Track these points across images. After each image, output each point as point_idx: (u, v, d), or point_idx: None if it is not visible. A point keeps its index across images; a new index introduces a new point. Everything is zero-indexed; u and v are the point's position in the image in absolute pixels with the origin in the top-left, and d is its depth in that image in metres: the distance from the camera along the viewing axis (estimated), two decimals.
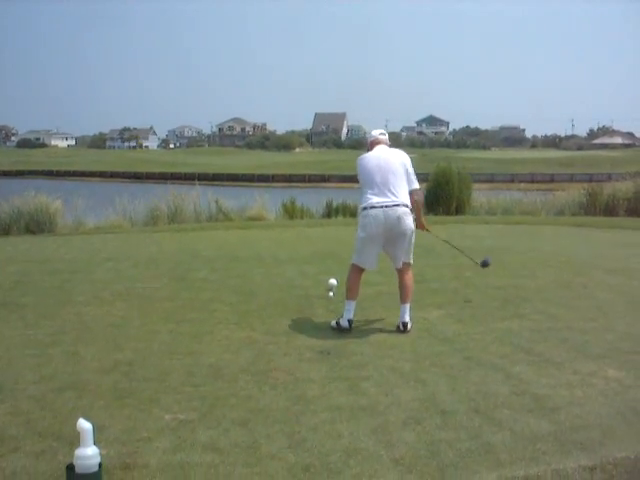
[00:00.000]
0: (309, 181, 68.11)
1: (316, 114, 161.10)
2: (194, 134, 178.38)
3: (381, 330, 7.01)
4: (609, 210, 22.01)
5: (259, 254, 11.98)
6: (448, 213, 19.22)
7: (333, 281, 8.34)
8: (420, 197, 7.51)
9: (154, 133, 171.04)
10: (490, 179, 56.97)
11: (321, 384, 5.43)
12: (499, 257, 10.98)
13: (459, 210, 19.97)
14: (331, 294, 8.20)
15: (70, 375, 5.67)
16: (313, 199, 23.92)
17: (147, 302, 8.25)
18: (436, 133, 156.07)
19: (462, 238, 12.46)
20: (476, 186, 26.15)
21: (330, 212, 20.64)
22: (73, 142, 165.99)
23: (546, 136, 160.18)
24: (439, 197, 19.89)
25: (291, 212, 20.19)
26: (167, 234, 16.20)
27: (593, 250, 12.36)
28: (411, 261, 7.18)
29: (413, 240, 7.05)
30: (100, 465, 3.68)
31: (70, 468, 3.65)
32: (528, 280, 9.34)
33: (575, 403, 5.02)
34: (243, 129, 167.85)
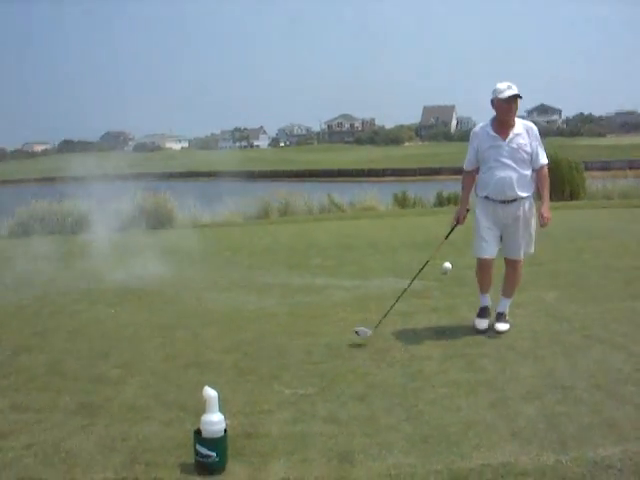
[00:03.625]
0: (420, 174, 67.58)
1: (424, 107, 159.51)
2: (303, 132, 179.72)
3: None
4: None
5: (372, 242, 12.06)
6: (562, 199, 18.72)
7: (448, 265, 8.33)
8: None
9: (264, 132, 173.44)
10: (605, 166, 54.85)
11: (438, 361, 5.45)
12: (619, 238, 10.68)
13: (573, 196, 19.42)
14: (447, 271, 8.42)
15: (193, 354, 5.91)
16: (424, 190, 23.79)
17: (264, 287, 8.47)
18: (548, 122, 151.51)
19: (581, 221, 12.17)
20: (592, 174, 25.38)
21: (442, 201, 20.48)
22: (186, 144, 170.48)
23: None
24: (552, 184, 19.32)
25: (402, 202, 20.16)
26: (280, 226, 16.51)
27: None
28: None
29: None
30: (225, 431, 3.84)
31: (197, 433, 3.83)
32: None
33: None
34: (352, 125, 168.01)
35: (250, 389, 5.02)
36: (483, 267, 6.36)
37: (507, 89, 5.93)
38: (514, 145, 6.01)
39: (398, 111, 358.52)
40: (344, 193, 22.53)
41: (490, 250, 6.24)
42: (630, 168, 34.48)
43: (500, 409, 4.47)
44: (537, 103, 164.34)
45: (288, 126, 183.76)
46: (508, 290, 6.43)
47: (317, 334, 6.35)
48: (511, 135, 6.02)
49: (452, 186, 24.13)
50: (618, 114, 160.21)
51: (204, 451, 3.77)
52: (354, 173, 70.38)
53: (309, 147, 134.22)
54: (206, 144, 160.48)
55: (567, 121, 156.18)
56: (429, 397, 4.72)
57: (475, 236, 6.29)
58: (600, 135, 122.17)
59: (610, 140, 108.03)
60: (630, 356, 5.39)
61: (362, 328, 6.02)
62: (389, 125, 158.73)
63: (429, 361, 5.45)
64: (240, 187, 28.50)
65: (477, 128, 6.31)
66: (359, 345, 5.92)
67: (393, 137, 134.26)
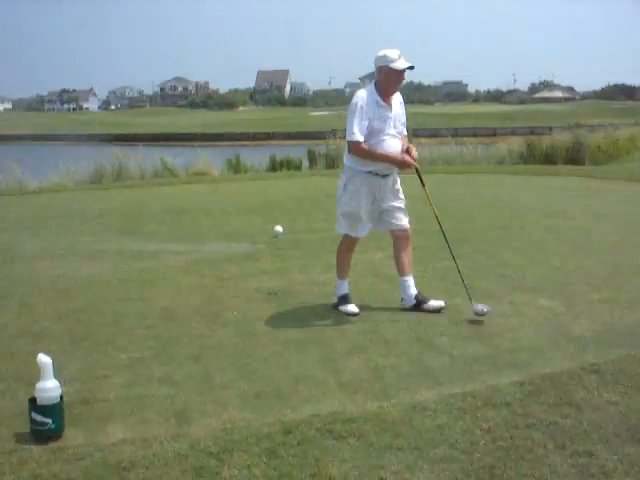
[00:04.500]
0: (254, 139, 67.76)
1: (259, 72, 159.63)
2: (135, 94, 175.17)
3: (327, 270, 7.23)
4: (548, 160, 22.55)
5: (206, 207, 12.14)
6: None
7: (279, 228, 8.57)
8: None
9: (94, 94, 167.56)
10: (434, 134, 57.06)
11: (269, 321, 5.68)
12: (440, 204, 11.29)
13: None
14: (278, 234, 8.67)
15: (24, 324, 5.82)
16: (258, 155, 24.00)
17: (97, 254, 8.38)
18: None
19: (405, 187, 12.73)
20: (422, 140, 26.47)
21: (274, 166, 20.81)
22: (9, 105, 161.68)
23: (489, 91, 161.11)
24: None
25: (236, 167, 20.31)
26: (113, 191, 16.20)
27: (531, 195, 12.81)
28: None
29: (337, 204, 6.02)
30: (62, 397, 3.87)
31: (32, 401, 3.83)
32: (468, 224, 9.68)
33: (509, 329, 5.37)
34: (185, 88, 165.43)
35: (85, 355, 5.02)
36: (351, 247, 6.12)
37: (399, 58, 5.61)
38: (396, 116, 5.79)
39: (233, 75, 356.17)
40: (177, 156, 22.33)
41: (366, 230, 6.00)
42: (453, 136, 36.16)
43: (328, 364, 4.75)
44: (370, 70, 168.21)
45: (119, 88, 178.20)
46: (409, 264, 6.08)
47: (151, 299, 6.41)
48: (393, 105, 5.78)
49: (285, 150, 24.53)
50: (445, 84, 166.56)
51: (39, 418, 3.76)
52: (188, 137, 69.40)
53: (141, 110, 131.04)
54: (31, 106, 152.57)
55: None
56: (261, 355, 4.94)
57: (348, 215, 5.87)
58: (428, 103, 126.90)
59: (438, 108, 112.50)
60: (447, 310, 5.86)
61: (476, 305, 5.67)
62: (223, 89, 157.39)
63: (261, 321, 5.67)
64: (70, 151, 27.54)
65: (363, 96, 5.68)
66: (193, 308, 6.05)
67: (227, 101, 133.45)
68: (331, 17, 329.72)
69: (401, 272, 6.03)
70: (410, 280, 6.01)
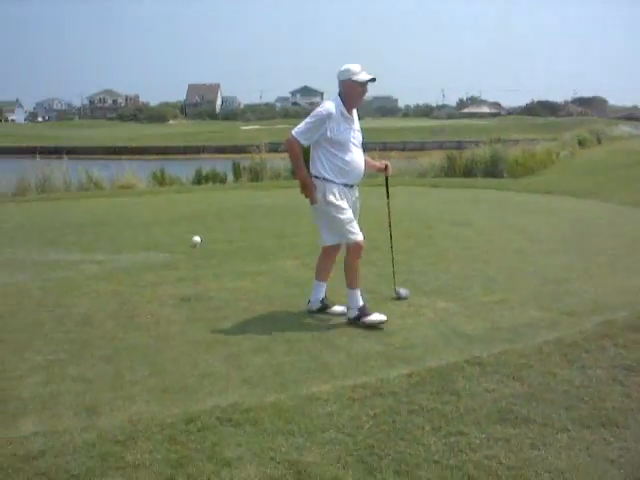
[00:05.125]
0: (184, 153, 67.59)
1: (189, 85, 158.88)
2: (64, 107, 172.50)
3: (240, 278, 7.58)
4: (468, 173, 23.39)
5: (128, 218, 12.37)
6: None
7: (197, 239, 8.89)
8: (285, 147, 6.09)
9: (20, 106, 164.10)
10: (363, 147, 57.83)
11: (181, 324, 6.00)
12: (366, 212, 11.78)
13: None
14: (196, 244, 8.96)
15: None
16: (185, 169, 24.19)
17: (16, 264, 8.55)
18: (310, 104, 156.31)
19: None
20: None
21: (200, 179, 21.06)
22: None
23: (418, 106, 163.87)
24: (305, 162, 20.64)
25: (161, 180, 20.49)
26: (36, 203, 16.20)
27: (443, 206, 13.37)
28: (321, 243, 6.34)
29: (321, 217, 6.13)
30: None
31: None
32: (380, 233, 10.09)
33: (405, 329, 5.79)
34: (115, 101, 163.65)
35: (0, 359, 5.24)
36: (334, 255, 6.31)
37: (361, 71, 5.84)
38: (357, 128, 6.04)
39: (163, 88, 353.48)
40: (104, 169, 22.35)
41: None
42: (382, 149, 36.98)
43: (233, 361, 5.09)
44: (300, 85, 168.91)
45: (47, 100, 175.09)
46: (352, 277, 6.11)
47: (69, 306, 6.64)
48: (354, 118, 6.03)
49: (213, 164, 24.74)
50: (376, 98, 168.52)
51: None
52: (115, 150, 68.69)
53: (70, 122, 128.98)
54: None
55: None
56: (171, 355, 5.24)
57: (342, 222, 5.94)
58: (359, 117, 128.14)
59: (368, 122, 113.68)
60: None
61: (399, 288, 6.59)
62: (154, 102, 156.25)
63: (173, 324, 5.98)
64: None
65: (331, 106, 5.83)
66: (109, 314, 6.31)
67: (157, 114, 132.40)
68: (263, 32, 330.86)
69: (322, 278, 6.33)
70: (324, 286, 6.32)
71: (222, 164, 24.75)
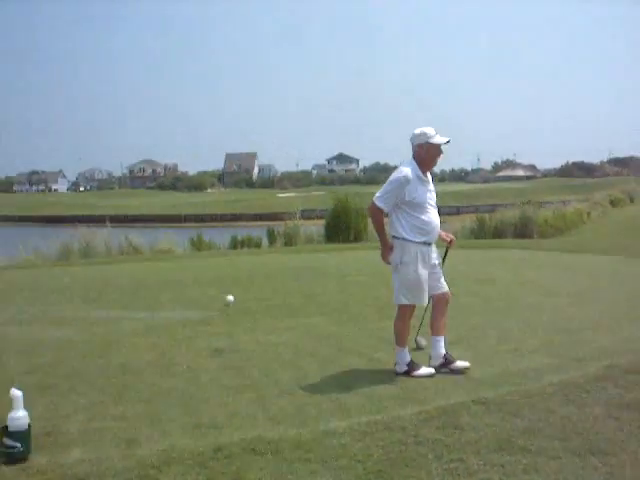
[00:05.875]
0: (221, 220, 68.92)
1: (227, 154, 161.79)
2: (104, 176, 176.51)
3: (269, 332, 8.11)
4: (497, 234, 23.84)
5: (166, 280, 13.03)
6: (346, 241, 20.73)
7: (230, 297, 9.47)
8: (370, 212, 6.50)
9: (63, 176, 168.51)
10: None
11: (213, 372, 6.52)
12: (382, 277, 12.34)
13: (357, 238, 21.45)
14: (230, 303, 9.40)
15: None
16: (222, 235, 25.00)
17: (63, 320, 9.21)
18: (346, 170, 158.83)
19: (353, 261, 13.77)
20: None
21: (235, 244, 21.79)
22: None
23: (453, 170, 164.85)
24: (338, 228, 21.49)
25: (198, 246, 21.26)
26: (79, 267, 16.99)
27: (468, 266, 13.81)
28: (395, 301, 6.50)
29: (395, 277, 6.39)
30: (29, 425, 4.65)
31: (4, 428, 4.61)
32: None
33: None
34: (154, 170, 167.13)
35: (50, 400, 5.79)
36: (410, 316, 6.48)
37: (436, 135, 6.13)
38: (432, 189, 6.31)
39: (201, 158, 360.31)
40: (144, 236, 23.23)
41: (427, 296, 6.38)
42: None
43: (259, 403, 5.58)
44: (336, 152, 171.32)
45: (89, 170, 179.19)
46: (443, 326, 6.51)
47: (110, 356, 7.23)
48: (429, 179, 6.31)
49: (250, 231, 25.51)
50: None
51: (10, 443, 4.55)
52: (156, 219, 70.39)
53: (110, 192, 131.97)
54: (0, 187, 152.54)
55: (364, 170, 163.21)
56: (203, 398, 5.75)
57: (412, 286, 6.23)
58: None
59: None
60: (370, 361, 6.75)
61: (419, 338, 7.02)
62: (192, 171, 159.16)
63: (205, 372, 6.51)
64: (37, 231, 28.34)
65: (408, 171, 6.12)
66: (147, 363, 6.87)
67: (196, 183, 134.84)
68: (297, 101, 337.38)
69: (435, 332, 6.48)
70: (442, 340, 6.46)
71: (258, 230, 25.53)
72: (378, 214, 6.23)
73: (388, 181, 6.24)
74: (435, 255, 6.39)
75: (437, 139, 6.16)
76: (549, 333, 7.65)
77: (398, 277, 6.29)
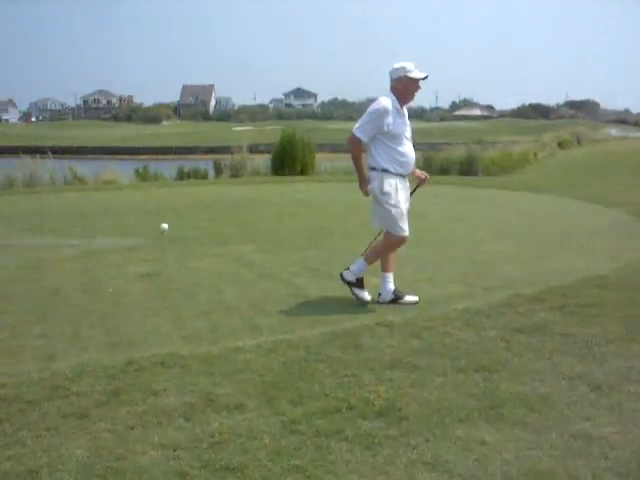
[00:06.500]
0: (175, 153, 68.25)
1: (184, 86, 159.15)
2: (58, 107, 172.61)
3: (197, 259, 8.42)
4: (443, 172, 24.22)
5: (105, 209, 13.20)
6: (292, 174, 20.97)
7: (164, 225, 9.70)
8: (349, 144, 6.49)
9: (14, 106, 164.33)
10: (333, 149, 57.00)
11: (137, 295, 6.82)
12: (319, 209, 12.65)
13: (303, 172, 21.67)
14: (164, 231, 9.70)
15: None
16: (172, 167, 24.99)
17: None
18: (304, 105, 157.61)
19: (294, 193, 14.03)
20: (335, 156, 27.72)
21: (182, 176, 21.87)
22: None
23: (411, 107, 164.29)
24: (284, 162, 21.67)
25: (144, 177, 21.30)
26: (20, 196, 17.03)
27: None
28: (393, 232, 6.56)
29: (379, 207, 6.50)
30: None
31: None
32: (339, 222, 10.98)
33: (334, 299, 6.59)
34: (109, 102, 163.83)
35: None
36: (398, 245, 6.66)
37: (415, 69, 6.20)
38: (409, 123, 6.41)
39: (157, 89, 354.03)
40: (93, 167, 23.17)
41: None
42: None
43: (176, 323, 5.89)
44: (294, 87, 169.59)
45: (41, 100, 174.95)
46: (393, 261, 6.71)
47: (41, 281, 7.46)
48: (405, 113, 6.38)
49: (203, 163, 25.54)
50: (369, 100, 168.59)
51: None
52: (109, 150, 69.47)
53: (63, 123, 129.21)
54: None
55: (322, 105, 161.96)
56: (123, 318, 6.05)
57: (396, 216, 6.40)
58: (352, 119, 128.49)
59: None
60: (288, 285, 7.11)
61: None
62: (148, 103, 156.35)
63: (130, 295, 6.82)
64: None
65: (387, 102, 6.20)
66: (75, 287, 7.13)
67: (151, 115, 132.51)
68: (258, 32, 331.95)
69: (384, 268, 6.63)
70: (391, 276, 6.62)
71: (207, 163, 25.56)
72: (357, 145, 6.33)
73: (367, 112, 6.32)
74: (407, 188, 6.57)
75: (416, 74, 6.24)
76: (466, 265, 8.03)
77: (385, 208, 6.40)
